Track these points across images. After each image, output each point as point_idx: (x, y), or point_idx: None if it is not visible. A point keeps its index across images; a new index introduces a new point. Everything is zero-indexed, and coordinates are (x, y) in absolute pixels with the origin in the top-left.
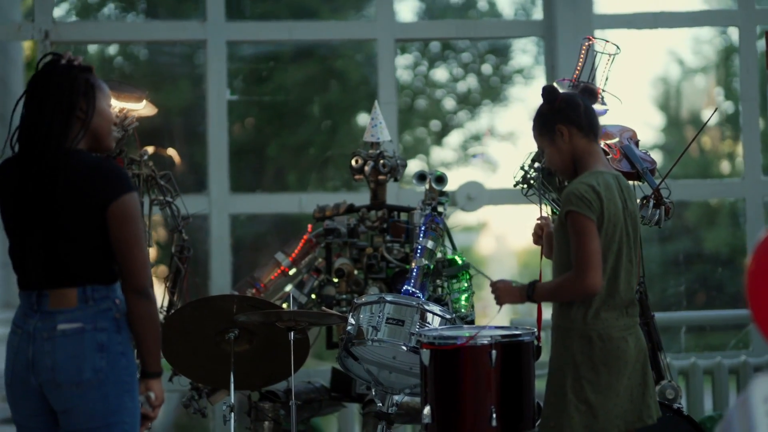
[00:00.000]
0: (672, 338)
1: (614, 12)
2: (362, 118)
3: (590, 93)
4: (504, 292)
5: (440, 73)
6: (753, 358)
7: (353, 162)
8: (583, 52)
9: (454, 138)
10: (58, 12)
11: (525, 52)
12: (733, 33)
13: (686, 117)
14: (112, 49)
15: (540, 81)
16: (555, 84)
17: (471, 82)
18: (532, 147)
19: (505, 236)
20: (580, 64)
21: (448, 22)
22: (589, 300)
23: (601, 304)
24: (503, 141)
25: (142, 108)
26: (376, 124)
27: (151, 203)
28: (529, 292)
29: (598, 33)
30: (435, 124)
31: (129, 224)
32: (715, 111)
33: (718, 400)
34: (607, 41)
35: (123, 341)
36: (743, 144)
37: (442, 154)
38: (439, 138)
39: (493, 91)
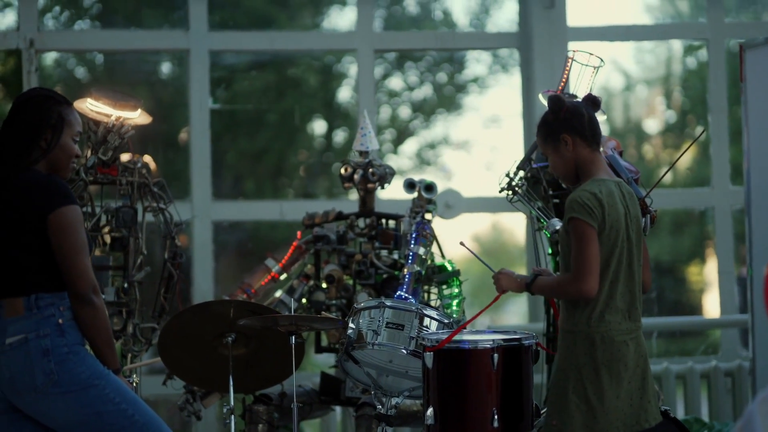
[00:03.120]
0: None
1: (587, 25)
2: (319, 126)
3: (593, 102)
4: (505, 279)
5: (395, 82)
6: (723, 363)
7: (342, 170)
8: (568, 64)
9: (410, 146)
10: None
11: (479, 61)
12: (675, 44)
13: (628, 126)
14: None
15: (494, 90)
16: (541, 95)
17: (426, 90)
18: (486, 156)
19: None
20: (565, 76)
21: (426, 33)
22: (593, 303)
23: (604, 307)
24: (458, 150)
25: (137, 116)
26: (365, 134)
27: (144, 210)
28: (529, 282)
29: (571, 45)
30: (391, 132)
31: (67, 233)
32: (703, 132)
33: (690, 404)
34: (591, 54)
35: (68, 343)
36: (712, 153)
37: (398, 161)
38: (395, 146)
39: (447, 100)
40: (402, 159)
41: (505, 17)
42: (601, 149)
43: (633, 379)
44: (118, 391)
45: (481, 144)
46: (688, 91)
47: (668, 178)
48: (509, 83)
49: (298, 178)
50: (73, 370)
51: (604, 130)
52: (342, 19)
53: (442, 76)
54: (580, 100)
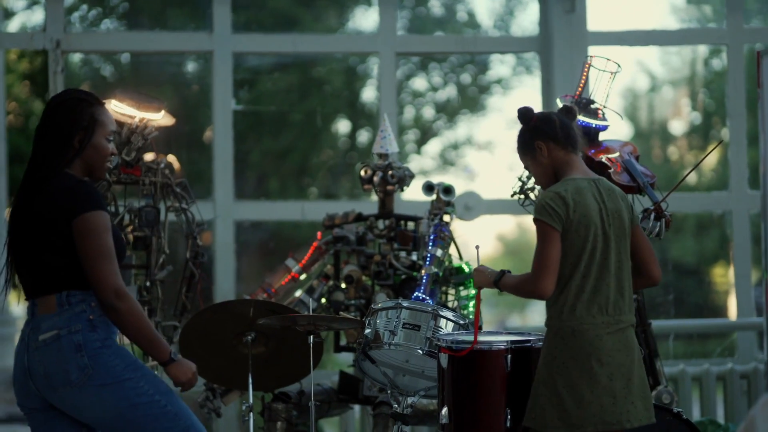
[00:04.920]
0: (660, 345)
1: (607, 29)
2: (343, 126)
3: (567, 111)
4: (478, 275)
5: (419, 83)
6: (739, 366)
7: (362, 172)
8: (585, 69)
9: (434, 146)
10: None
11: (503, 62)
12: (700, 45)
13: (654, 127)
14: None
15: (518, 91)
16: (559, 100)
17: (450, 91)
18: (509, 157)
19: None
20: (582, 81)
21: (447, 37)
22: (563, 298)
23: (575, 301)
24: (481, 150)
25: (160, 118)
26: (385, 136)
27: (167, 210)
28: (496, 280)
29: (592, 49)
30: (415, 133)
31: (89, 239)
32: (720, 142)
33: (705, 406)
34: (608, 59)
35: (100, 338)
36: (729, 157)
37: (421, 162)
38: (418, 146)
39: (471, 101)
40: (425, 159)
41: (527, 21)
42: (617, 154)
43: (616, 376)
44: (152, 382)
45: (504, 145)
46: (713, 93)
47: (692, 180)
48: (533, 85)
49: (322, 177)
50: (107, 364)
51: (628, 132)
52: (367, 20)
53: (465, 77)
54: (573, 108)
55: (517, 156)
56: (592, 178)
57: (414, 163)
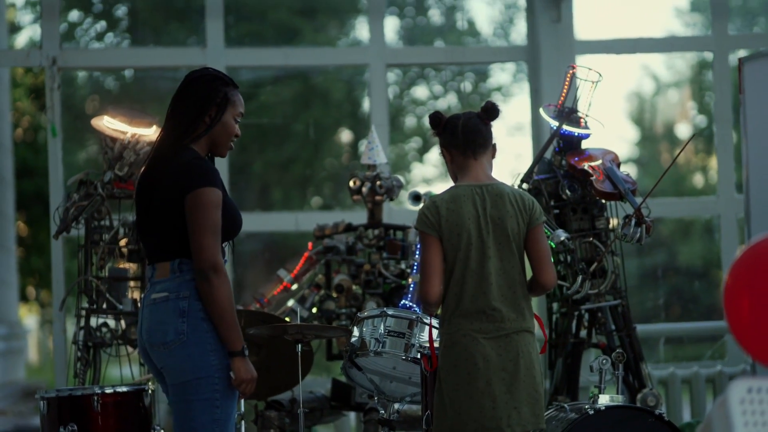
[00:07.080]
0: (651, 349)
1: (595, 38)
2: (345, 135)
3: (486, 110)
4: None
5: (420, 91)
6: (728, 368)
7: (351, 183)
8: (567, 79)
9: (435, 154)
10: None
11: (503, 70)
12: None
13: (660, 131)
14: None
15: (518, 98)
16: (542, 109)
17: (451, 99)
18: (511, 163)
19: None
20: (564, 90)
21: (437, 48)
22: (444, 307)
23: (453, 310)
24: None
25: (152, 133)
26: (372, 148)
27: None
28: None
29: (579, 58)
30: (416, 141)
31: (197, 212)
32: (693, 136)
33: (695, 407)
34: (590, 69)
35: (204, 308)
36: (718, 163)
37: (423, 170)
38: (420, 154)
39: (472, 109)
40: (427, 167)
41: (524, 29)
42: (599, 162)
43: (494, 381)
44: (224, 383)
45: (505, 152)
46: None
47: (700, 183)
48: None
49: (325, 187)
50: (201, 338)
51: (634, 136)
52: (366, 31)
53: (466, 85)
54: (494, 107)
55: (517, 162)
56: (480, 184)
57: (416, 171)
